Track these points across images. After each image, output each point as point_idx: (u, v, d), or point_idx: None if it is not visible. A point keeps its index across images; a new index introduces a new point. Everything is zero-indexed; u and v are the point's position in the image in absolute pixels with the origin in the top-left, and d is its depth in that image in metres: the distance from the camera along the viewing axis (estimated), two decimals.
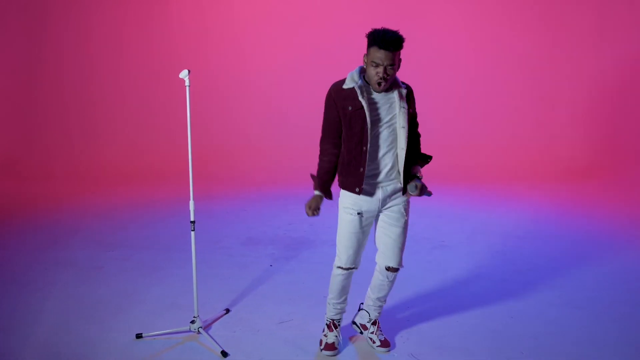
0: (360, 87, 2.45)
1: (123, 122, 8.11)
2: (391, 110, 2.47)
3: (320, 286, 3.59)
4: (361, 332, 2.87)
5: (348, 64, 8.15)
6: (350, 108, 2.45)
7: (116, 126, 8.09)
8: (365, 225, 2.58)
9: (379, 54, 2.34)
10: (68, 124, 8.08)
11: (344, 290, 2.71)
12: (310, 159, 8.70)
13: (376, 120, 2.47)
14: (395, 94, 2.47)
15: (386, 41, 2.32)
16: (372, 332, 2.79)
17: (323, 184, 2.59)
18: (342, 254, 2.62)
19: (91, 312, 3.23)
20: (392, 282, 2.71)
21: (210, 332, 2.94)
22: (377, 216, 2.60)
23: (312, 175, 2.63)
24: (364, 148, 2.46)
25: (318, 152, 2.63)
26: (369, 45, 2.39)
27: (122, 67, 8.13)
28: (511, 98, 7.70)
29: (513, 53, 7.62)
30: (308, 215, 2.60)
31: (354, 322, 2.92)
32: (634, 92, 7.23)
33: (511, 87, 7.68)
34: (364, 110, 2.44)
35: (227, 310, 3.22)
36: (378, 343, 2.75)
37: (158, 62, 7.96)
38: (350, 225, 2.57)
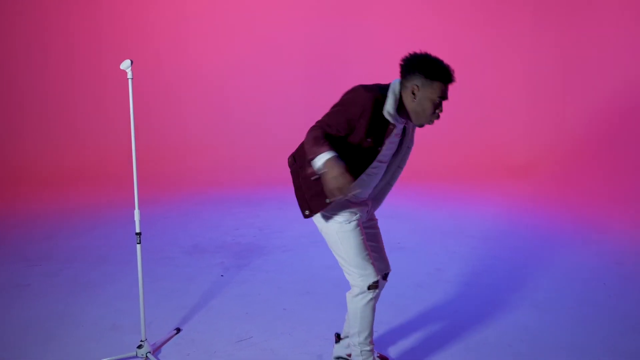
0: (394, 129, 2.09)
1: (47, 120, 7.44)
2: (400, 150, 2.24)
3: (277, 297, 3.34)
4: None
5: (295, 61, 7.97)
6: (370, 140, 2.04)
7: (40, 124, 7.40)
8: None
9: (444, 90, 2.05)
10: None
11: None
12: (255, 158, 8.45)
13: (386, 160, 2.20)
14: (410, 134, 2.25)
15: (451, 75, 2.04)
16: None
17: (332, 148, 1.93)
18: (367, 268, 2.16)
19: (15, 340, 2.79)
20: None
21: (160, 356, 2.61)
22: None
23: (307, 146, 1.96)
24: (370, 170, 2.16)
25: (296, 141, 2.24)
26: (430, 78, 2.01)
27: (49, 62, 7.46)
28: (457, 100, 7.78)
29: (460, 51, 7.70)
30: (338, 195, 1.88)
31: (337, 358, 2.48)
32: (572, 92, 7.51)
33: (456, 89, 7.76)
34: (379, 152, 2.10)
35: (178, 330, 2.89)
36: None
37: (106, 55, 7.38)
38: (357, 234, 2.16)
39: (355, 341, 2.26)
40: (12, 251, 4.24)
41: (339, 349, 2.51)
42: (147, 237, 4.55)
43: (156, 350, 2.66)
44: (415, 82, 2.04)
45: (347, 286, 3.48)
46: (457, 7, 7.73)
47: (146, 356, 2.53)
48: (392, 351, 2.68)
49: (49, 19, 7.41)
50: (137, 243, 2.52)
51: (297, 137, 7.78)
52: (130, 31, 7.51)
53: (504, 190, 6.53)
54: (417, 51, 2.09)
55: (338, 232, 2.17)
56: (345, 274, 2.24)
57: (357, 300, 2.20)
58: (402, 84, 2.08)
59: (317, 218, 2.22)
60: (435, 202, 5.95)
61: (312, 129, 2.00)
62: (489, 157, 7.54)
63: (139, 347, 2.54)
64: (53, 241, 4.51)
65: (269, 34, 7.58)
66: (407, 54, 2.09)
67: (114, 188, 6.33)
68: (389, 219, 5.10)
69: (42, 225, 4.99)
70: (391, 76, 8.11)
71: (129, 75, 2.39)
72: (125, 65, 2.36)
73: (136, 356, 2.54)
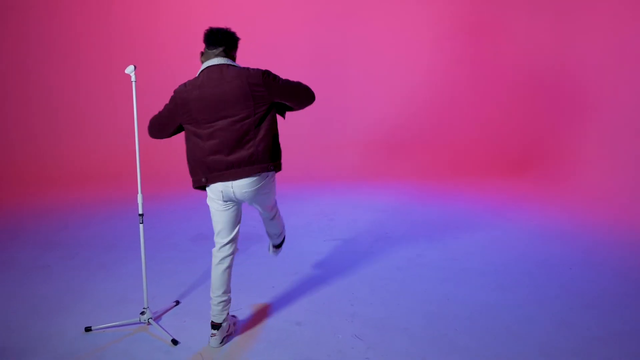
0: None
1: (65, 120, 7.91)
2: None
3: (268, 277, 3.71)
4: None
5: (297, 64, 8.37)
6: None
7: (57, 125, 7.88)
8: None
9: None
10: (9, 124, 7.80)
11: None
12: None
13: None
14: None
15: None
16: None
17: None
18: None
19: (37, 309, 3.21)
20: None
21: (160, 322, 3.00)
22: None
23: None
24: None
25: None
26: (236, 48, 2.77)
27: (73, 63, 7.94)
28: (454, 97, 8.07)
29: (458, 51, 7.99)
30: None
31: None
32: (567, 88, 7.75)
33: (455, 86, 8.04)
34: None
35: (177, 302, 3.28)
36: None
37: (106, 59, 7.84)
38: None
39: (280, 235, 3.28)
40: (33, 239, 4.68)
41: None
42: (154, 228, 4.95)
43: (157, 318, 3.06)
44: (234, 54, 2.77)
45: (335, 268, 3.86)
46: (453, 9, 8.01)
47: (148, 321, 2.92)
48: (359, 317, 3.03)
49: (61, 23, 7.89)
50: (140, 223, 2.92)
51: (300, 134, 8.13)
52: (137, 35, 7.96)
53: (498, 186, 6.79)
54: (215, 27, 2.73)
55: (275, 181, 2.85)
56: (271, 210, 3.00)
57: (278, 218, 3.14)
58: (229, 54, 2.72)
59: (272, 179, 2.80)
60: (427, 198, 6.25)
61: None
62: (484, 155, 7.80)
63: (142, 313, 2.93)
64: (69, 231, 4.94)
65: (272, 37, 7.97)
66: (215, 31, 2.70)
67: (125, 185, 6.75)
68: (381, 212, 5.47)
69: (60, 217, 5.43)
70: (390, 76, 8.46)
71: (133, 78, 2.78)
72: (130, 70, 2.75)
73: (139, 322, 2.94)
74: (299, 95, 2.71)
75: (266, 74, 2.62)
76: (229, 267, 2.83)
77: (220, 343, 2.77)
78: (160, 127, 2.76)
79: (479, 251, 4.30)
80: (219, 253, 2.81)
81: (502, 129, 8.01)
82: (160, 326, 2.91)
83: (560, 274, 3.77)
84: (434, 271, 3.84)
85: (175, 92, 2.66)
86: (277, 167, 2.73)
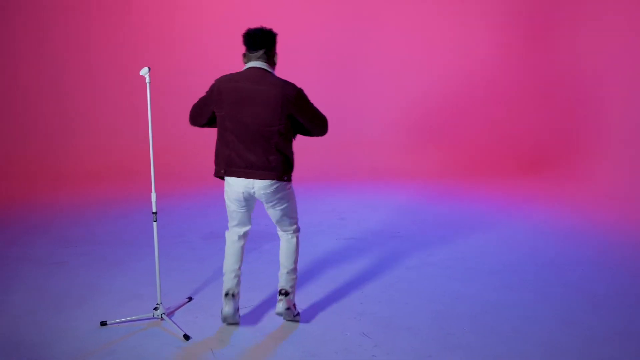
0: None
1: (81, 119, 8.06)
2: None
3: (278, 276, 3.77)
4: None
5: (311, 64, 8.39)
6: None
7: (73, 123, 8.03)
8: None
9: None
10: (27, 122, 7.98)
11: None
12: None
13: None
14: None
15: None
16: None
17: None
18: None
19: (54, 303, 3.31)
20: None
21: (172, 318, 3.08)
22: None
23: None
24: None
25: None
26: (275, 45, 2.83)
27: (89, 64, 8.09)
28: (466, 97, 8.06)
29: (471, 52, 7.97)
30: None
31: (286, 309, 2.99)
32: (569, 89, 7.70)
33: (467, 87, 8.03)
34: None
35: (190, 299, 3.36)
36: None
37: (126, 60, 7.98)
38: None
39: (294, 269, 3.03)
40: (49, 235, 4.79)
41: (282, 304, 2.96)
42: (168, 225, 5.04)
43: (170, 313, 3.14)
44: (274, 51, 2.85)
45: (345, 266, 3.92)
46: (462, 9, 7.99)
47: (161, 317, 3.00)
48: (367, 316, 3.08)
49: (78, 25, 8.02)
50: (154, 221, 3.00)
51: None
52: (152, 37, 8.08)
53: (509, 186, 6.76)
54: (253, 27, 2.81)
55: (293, 192, 2.93)
56: (289, 224, 2.99)
57: (296, 238, 3.04)
58: (270, 54, 2.80)
59: (287, 186, 2.86)
60: (438, 197, 6.25)
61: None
62: (495, 155, 7.78)
63: (155, 309, 3.01)
64: (85, 227, 5.05)
65: (286, 38, 8.03)
66: (252, 34, 2.77)
67: (140, 183, 6.87)
68: (391, 211, 5.51)
69: (75, 214, 5.55)
70: (402, 77, 8.44)
71: (147, 80, 2.87)
72: (144, 71, 2.83)
73: (152, 317, 3.02)
74: (317, 125, 2.86)
75: (300, 92, 2.76)
76: (243, 246, 3.04)
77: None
78: (197, 111, 2.90)
79: (489, 250, 4.32)
80: (235, 235, 3.03)
81: (513, 129, 7.98)
82: (173, 321, 2.99)
83: (567, 274, 3.78)
84: (442, 270, 3.87)
85: (215, 80, 2.80)
86: (289, 178, 2.87)
